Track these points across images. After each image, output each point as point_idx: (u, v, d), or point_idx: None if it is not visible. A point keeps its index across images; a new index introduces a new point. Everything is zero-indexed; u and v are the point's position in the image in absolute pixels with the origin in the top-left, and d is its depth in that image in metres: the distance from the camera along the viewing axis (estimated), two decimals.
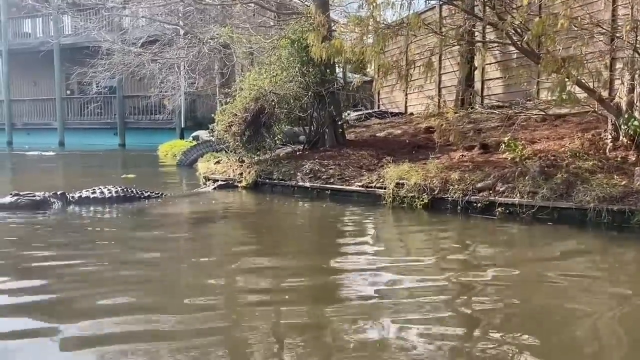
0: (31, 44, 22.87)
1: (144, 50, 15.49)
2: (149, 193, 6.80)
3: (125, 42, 15.38)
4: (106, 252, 4.25)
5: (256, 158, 7.80)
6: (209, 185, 7.90)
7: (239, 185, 7.61)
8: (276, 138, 8.13)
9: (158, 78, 17.51)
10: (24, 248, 4.40)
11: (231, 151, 8.09)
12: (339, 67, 9.94)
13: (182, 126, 20.13)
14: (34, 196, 6.04)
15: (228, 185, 7.69)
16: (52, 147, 21.22)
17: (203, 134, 15.08)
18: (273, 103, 7.48)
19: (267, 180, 7.42)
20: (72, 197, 6.30)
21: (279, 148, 8.76)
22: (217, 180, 7.92)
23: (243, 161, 8.27)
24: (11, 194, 6.00)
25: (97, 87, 17.18)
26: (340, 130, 9.13)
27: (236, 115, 7.54)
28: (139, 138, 21.22)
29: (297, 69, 8.31)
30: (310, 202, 6.61)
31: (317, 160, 7.40)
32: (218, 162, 8.81)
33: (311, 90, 8.35)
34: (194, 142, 14.77)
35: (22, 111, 23.51)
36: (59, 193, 6.23)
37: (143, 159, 14.91)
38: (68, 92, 23.57)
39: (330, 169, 7.11)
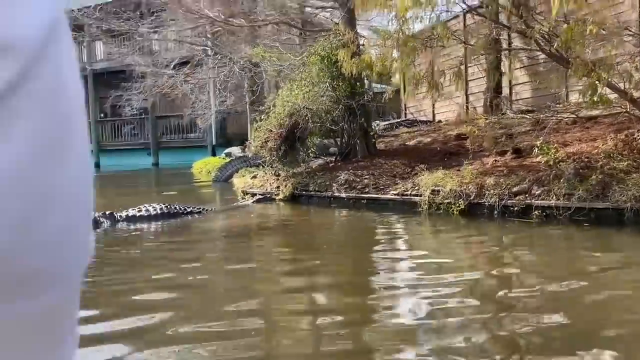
0: None
1: (176, 71, 16.02)
2: (191, 208, 7.09)
3: (157, 64, 15.91)
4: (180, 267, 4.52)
5: (292, 171, 8.05)
6: (247, 199, 8.18)
7: (277, 198, 7.86)
8: (309, 151, 8.38)
9: (190, 98, 18.07)
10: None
11: (267, 166, 8.36)
12: (367, 79, 10.16)
13: (214, 143, 20.64)
14: None
15: (266, 199, 7.95)
16: None
17: (235, 150, 15.48)
18: (307, 118, 7.74)
19: (304, 192, 7.65)
20: (120, 215, 6.63)
21: (311, 160, 9.00)
22: (255, 194, 8.20)
23: (279, 175, 8.52)
24: None
25: (130, 109, 17.68)
26: (372, 140, 9.33)
27: (271, 131, 7.81)
28: (172, 157, 21.78)
29: (327, 83, 8.57)
30: (347, 211, 6.80)
31: (351, 171, 7.61)
32: (254, 177, 9.10)
33: (342, 104, 8.60)
34: (227, 159, 15.17)
35: None
36: (107, 213, 6.56)
37: (178, 176, 15.32)
38: (102, 115, 24.36)
39: (365, 178, 7.30)
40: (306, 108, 7.74)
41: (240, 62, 14.70)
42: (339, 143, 9.20)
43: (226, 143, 20.05)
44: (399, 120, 14.04)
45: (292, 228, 6.29)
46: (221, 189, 10.78)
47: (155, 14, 15.95)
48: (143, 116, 22.05)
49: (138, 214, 6.67)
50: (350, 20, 8.91)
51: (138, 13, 16.41)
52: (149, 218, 6.66)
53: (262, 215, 6.99)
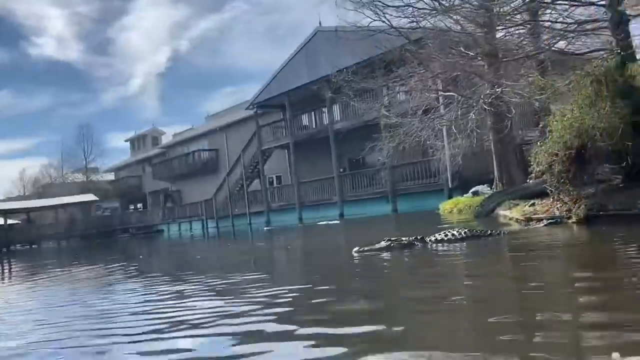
0: (311, 133, 26.94)
1: (414, 118, 17.03)
2: (490, 231, 7.48)
3: (403, 114, 17.11)
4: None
5: (583, 193, 7.95)
6: (533, 224, 8.28)
7: (568, 221, 7.81)
8: (595, 172, 8.21)
9: (426, 144, 18.95)
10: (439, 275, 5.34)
11: (553, 189, 8.37)
12: None
13: (450, 187, 21.00)
14: (402, 240, 7.21)
15: (556, 223, 7.95)
16: (334, 218, 24.16)
17: (484, 189, 15.64)
18: (595, 137, 7.66)
19: (601, 213, 7.48)
20: (430, 239, 7.30)
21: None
22: (542, 219, 8.25)
23: (560, 199, 8.47)
24: (385, 240, 7.25)
25: (383, 158, 19.13)
26: None
27: (557, 154, 7.89)
28: (409, 203, 22.74)
29: (606, 103, 8.39)
30: None
31: None
32: (533, 205, 9.16)
33: (625, 121, 8.30)
34: (475, 197, 15.40)
35: (307, 191, 27.37)
36: (419, 237, 7.30)
37: (428, 217, 15.92)
38: (341, 169, 26.74)
39: None
40: (594, 127, 7.67)
41: (480, 102, 15.07)
42: (623, 164, 8.81)
43: (462, 185, 20.31)
44: None
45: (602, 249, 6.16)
46: (487, 221, 10.99)
47: (391, 70, 17.39)
48: (380, 167, 23.65)
49: (445, 238, 7.27)
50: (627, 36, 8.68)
51: (378, 72, 18.05)
52: (455, 240, 7.19)
53: (560, 238, 6.98)
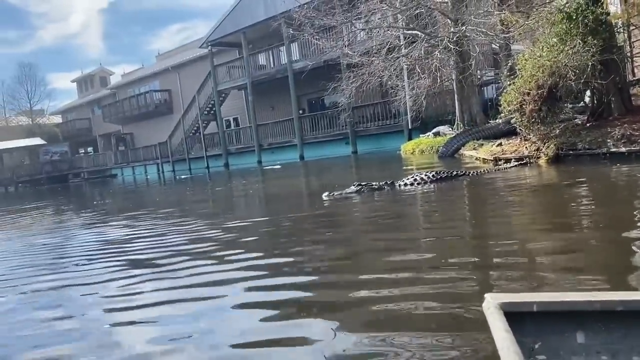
0: (269, 73, 26.06)
1: (378, 57, 16.58)
2: (456, 172, 7.36)
3: (362, 54, 16.62)
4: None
5: (553, 132, 7.88)
6: (502, 164, 8.22)
7: (537, 160, 7.78)
8: (565, 111, 8.14)
9: (387, 85, 18.62)
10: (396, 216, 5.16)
11: (524, 129, 8.28)
12: (618, 33, 9.53)
13: (410, 128, 20.91)
14: (372, 185, 7.01)
15: (524, 163, 7.91)
16: (293, 161, 23.88)
17: (445, 129, 15.59)
18: (567, 76, 7.52)
19: (571, 152, 7.46)
20: (399, 184, 7.12)
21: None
22: (510, 160, 8.20)
23: (528, 139, 8.42)
24: (354, 184, 7.02)
25: (345, 99, 18.70)
26: (627, 96, 8.75)
27: (528, 93, 7.74)
28: (369, 144, 22.63)
29: (577, 41, 8.23)
30: (629, 166, 6.46)
31: (625, 125, 7.23)
32: (500, 145, 9.09)
33: (592, 60, 8.20)
34: (434, 138, 15.35)
35: (266, 133, 26.78)
36: (389, 182, 7.11)
37: (390, 159, 15.85)
38: (300, 111, 26.19)
39: None
40: (567, 66, 7.52)
41: (445, 40, 14.73)
42: (587, 102, 8.79)
43: (421, 126, 20.25)
44: None
45: (584, 185, 6.12)
46: (452, 162, 10.94)
47: (354, 6, 16.73)
48: (339, 108, 23.22)
49: (413, 182, 7.10)
50: None
51: (340, 8, 17.32)
52: (424, 183, 7.04)
53: (533, 177, 6.92)
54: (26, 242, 6.42)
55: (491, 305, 1.35)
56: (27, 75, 50.15)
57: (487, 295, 1.40)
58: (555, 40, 8.35)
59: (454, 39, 13.92)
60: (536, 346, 1.36)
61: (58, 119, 50.95)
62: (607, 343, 1.34)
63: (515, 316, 1.33)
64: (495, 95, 19.59)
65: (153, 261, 4.10)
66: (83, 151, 46.50)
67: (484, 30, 13.95)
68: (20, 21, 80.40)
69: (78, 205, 13.28)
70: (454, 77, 15.81)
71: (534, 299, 1.38)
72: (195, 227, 5.90)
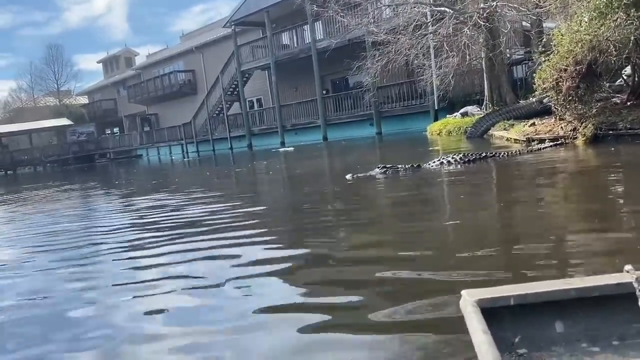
0: (292, 53, 25.68)
1: (402, 36, 16.09)
2: (485, 154, 7.01)
3: (384, 31, 16.14)
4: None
5: (591, 112, 7.45)
6: (535, 145, 7.82)
7: (574, 141, 7.36)
8: (604, 88, 7.68)
9: (413, 64, 18.12)
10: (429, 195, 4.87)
11: (559, 108, 7.86)
12: None
13: (436, 108, 20.39)
14: (397, 167, 6.71)
15: (559, 143, 7.51)
16: (318, 141, 23.57)
17: (473, 109, 15.10)
18: (609, 51, 7.06)
19: (611, 132, 7.03)
20: (425, 166, 6.81)
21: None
22: (544, 140, 7.79)
23: (564, 119, 7.99)
24: (379, 167, 6.74)
25: (371, 78, 18.26)
26: None
27: (565, 70, 7.30)
28: (394, 125, 22.18)
29: (619, 14, 7.72)
30: None
31: None
32: (533, 125, 8.67)
33: (634, 34, 7.69)
34: (461, 118, 14.89)
35: (289, 114, 26.51)
36: (415, 165, 6.81)
37: (415, 140, 15.44)
38: (324, 92, 25.81)
39: None
40: (608, 40, 7.04)
41: (475, 16, 14.19)
42: (627, 79, 8.29)
43: (448, 106, 19.70)
44: None
45: (629, 167, 5.71)
46: (481, 143, 10.52)
47: None
48: (363, 88, 22.73)
49: (441, 164, 6.79)
50: None
51: None
52: (451, 165, 6.72)
53: (567, 159, 6.52)
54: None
55: (468, 303, 1.31)
56: (54, 57, 50.78)
57: (463, 292, 1.35)
58: (595, 14, 7.85)
59: (484, 15, 13.38)
60: (516, 340, 1.34)
61: (84, 100, 51.49)
62: (586, 330, 1.34)
63: (493, 311, 1.31)
64: (525, 75, 18.95)
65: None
66: (109, 131, 46.97)
67: (515, 5, 13.39)
68: (46, 3, 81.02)
69: (131, 184, 13.28)
70: (483, 55, 15.26)
71: (512, 292, 1.35)
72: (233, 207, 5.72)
